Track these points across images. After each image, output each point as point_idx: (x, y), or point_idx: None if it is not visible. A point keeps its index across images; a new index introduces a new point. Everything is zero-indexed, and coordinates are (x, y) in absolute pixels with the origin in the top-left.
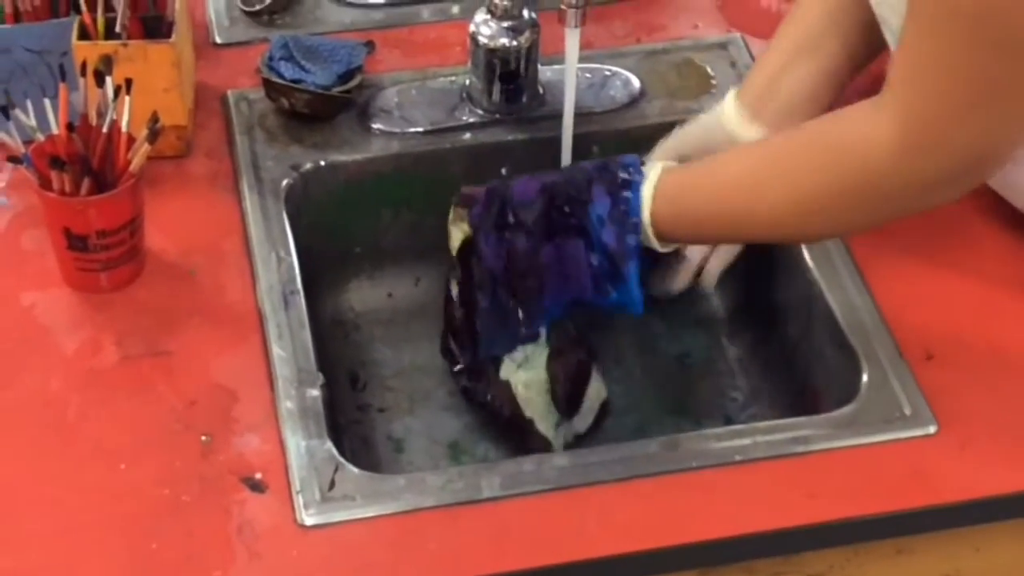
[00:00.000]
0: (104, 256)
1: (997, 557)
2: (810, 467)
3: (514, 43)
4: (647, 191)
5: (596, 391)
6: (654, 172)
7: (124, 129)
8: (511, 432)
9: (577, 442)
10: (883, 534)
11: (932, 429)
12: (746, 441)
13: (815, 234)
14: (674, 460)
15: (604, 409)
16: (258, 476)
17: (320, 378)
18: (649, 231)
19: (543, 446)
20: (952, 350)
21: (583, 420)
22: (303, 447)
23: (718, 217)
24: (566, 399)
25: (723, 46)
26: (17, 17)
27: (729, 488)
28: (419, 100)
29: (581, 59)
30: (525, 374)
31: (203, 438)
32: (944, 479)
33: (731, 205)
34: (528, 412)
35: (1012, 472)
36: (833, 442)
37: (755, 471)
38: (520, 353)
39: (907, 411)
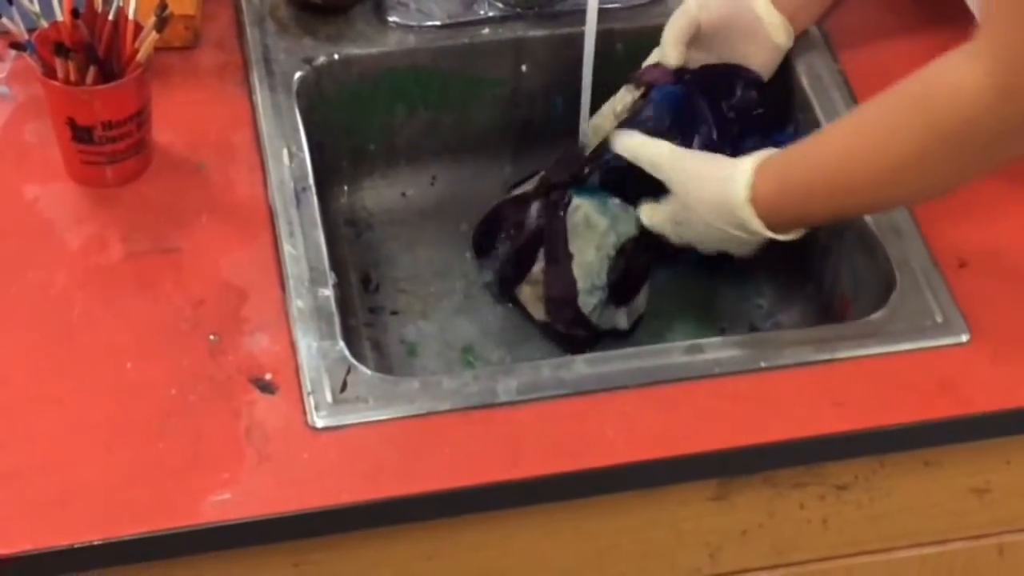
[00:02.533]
0: (110, 149)
1: None
2: (837, 375)
3: None
4: (744, 176)
5: (643, 298)
6: (752, 160)
7: (131, 16)
8: (542, 249)
9: (613, 336)
10: (911, 445)
11: (964, 338)
12: (771, 348)
13: (915, 193)
14: (696, 367)
15: (639, 320)
16: (268, 377)
17: (332, 277)
18: (755, 221)
19: (567, 290)
20: (986, 258)
21: (627, 317)
22: (314, 348)
23: (820, 190)
24: (622, 287)
25: None
26: None
27: (752, 396)
28: None
29: None
30: (592, 210)
31: (211, 337)
32: (975, 389)
33: (829, 175)
34: (572, 245)
35: None
36: (861, 350)
37: (780, 378)
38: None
39: (939, 319)
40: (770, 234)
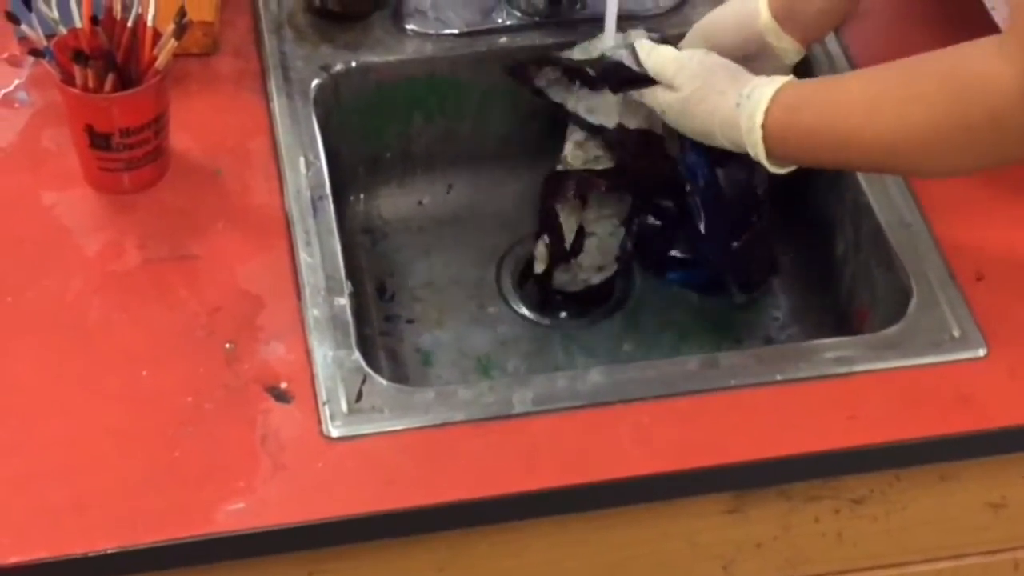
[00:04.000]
0: (127, 155)
1: None
2: (853, 388)
3: None
4: (762, 101)
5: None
6: (772, 84)
7: (150, 24)
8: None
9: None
10: (927, 459)
11: (981, 352)
12: (787, 360)
13: (924, 168)
14: (713, 379)
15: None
16: (283, 386)
17: (348, 286)
18: (759, 145)
19: None
20: (1005, 271)
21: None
22: (330, 357)
23: (830, 135)
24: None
25: None
26: None
27: (768, 408)
28: (455, 1)
29: None
30: None
31: (227, 345)
32: (992, 404)
33: (844, 124)
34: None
35: None
36: (878, 363)
37: (796, 392)
38: None
39: (956, 333)
40: (767, 164)
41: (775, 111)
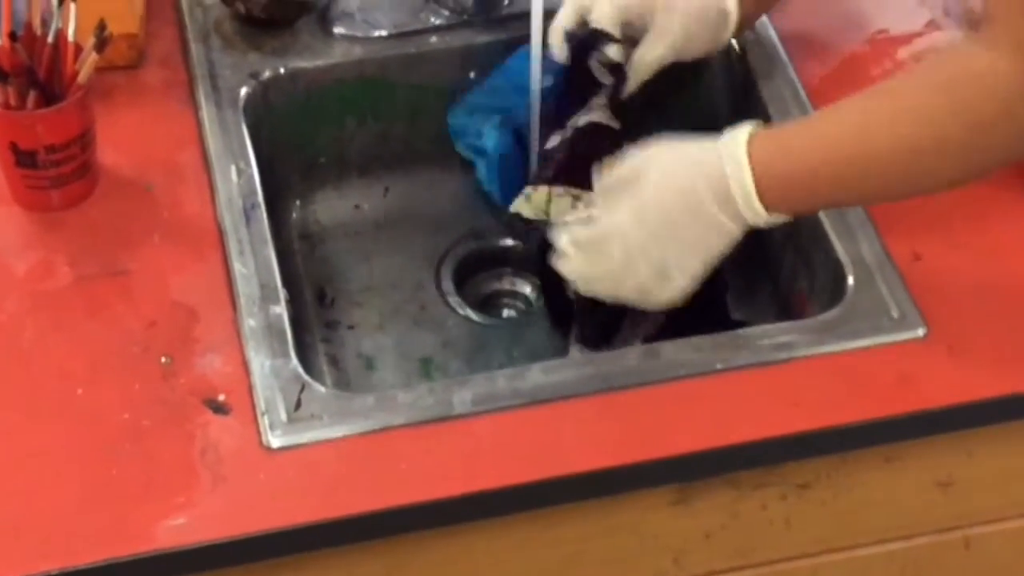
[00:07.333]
0: (54, 172)
1: (991, 462)
2: (794, 374)
3: None
4: (739, 138)
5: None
6: (741, 136)
7: (71, 38)
8: None
9: None
10: (871, 442)
11: (920, 332)
12: (727, 349)
13: (941, 178)
14: (653, 371)
15: None
16: (221, 398)
17: (284, 295)
18: (754, 201)
19: None
20: (941, 250)
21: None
22: (267, 366)
23: (827, 168)
24: None
25: None
26: None
27: (710, 398)
28: (383, 2)
29: None
30: None
31: (163, 360)
32: (933, 383)
33: (841, 152)
34: None
35: (1003, 375)
36: (818, 348)
37: (737, 380)
38: None
39: (894, 314)
40: (765, 214)
41: (761, 156)
